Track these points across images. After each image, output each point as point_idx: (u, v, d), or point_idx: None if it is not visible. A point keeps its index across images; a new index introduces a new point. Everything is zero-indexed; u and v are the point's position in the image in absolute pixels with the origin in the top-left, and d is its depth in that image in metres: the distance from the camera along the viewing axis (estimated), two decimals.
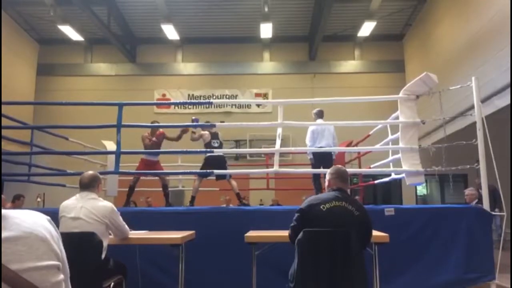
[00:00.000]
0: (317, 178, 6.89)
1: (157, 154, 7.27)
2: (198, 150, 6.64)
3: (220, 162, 6.62)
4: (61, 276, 0.98)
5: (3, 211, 0.94)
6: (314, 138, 6.85)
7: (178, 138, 7.16)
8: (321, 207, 3.07)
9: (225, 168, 6.69)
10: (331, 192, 3.21)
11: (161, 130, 7.35)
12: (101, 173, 3.82)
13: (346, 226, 3.00)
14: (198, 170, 6.95)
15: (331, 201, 3.09)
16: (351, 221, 3.06)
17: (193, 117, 6.80)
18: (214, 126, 6.41)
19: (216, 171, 6.24)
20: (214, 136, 6.90)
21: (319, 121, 6.92)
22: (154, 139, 7.27)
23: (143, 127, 7.27)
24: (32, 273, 0.90)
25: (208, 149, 6.60)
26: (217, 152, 6.49)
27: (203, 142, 6.90)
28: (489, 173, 5.02)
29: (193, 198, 6.84)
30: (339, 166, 3.53)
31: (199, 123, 6.70)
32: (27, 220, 0.96)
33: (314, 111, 7.10)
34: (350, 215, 3.07)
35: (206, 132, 6.88)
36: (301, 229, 3.04)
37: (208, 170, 6.33)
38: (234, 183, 6.86)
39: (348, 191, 3.39)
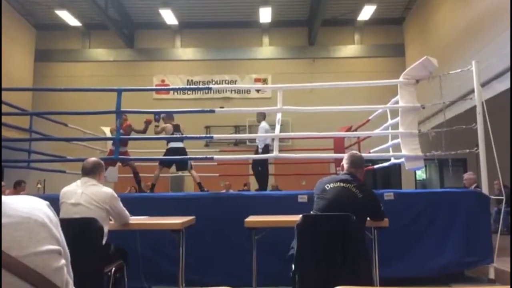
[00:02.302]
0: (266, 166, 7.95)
1: (126, 144, 7.50)
2: (178, 136, 6.81)
3: (181, 154, 6.91)
4: (63, 261, 0.97)
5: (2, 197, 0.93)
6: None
7: (145, 130, 7.43)
8: (325, 185, 3.27)
9: (186, 159, 7.04)
10: (343, 175, 3.37)
11: (128, 122, 7.43)
12: (101, 159, 3.82)
13: (345, 206, 3.10)
14: (160, 157, 7.24)
15: (336, 182, 3.26)
16: (352, 202, 3.16)
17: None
18: (213, 111, 6.41)
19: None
20: (176, 128, 7.12)
21: (263, 122, 7.76)
22: (121, 130, 7.37)
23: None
24: (33, 258, 0.90)
25: (173, 137, 7.00)
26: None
27: (165, 134, 7.12)
28: (488, 157, 5.03)
29: (153, 185, 7.13)
30: (355, 152, 3.68)
31: (165, 111, 7.18)
32: (25, 206, 0.95)
33: (262, 113, 7.92)
34: (353, 196, 3.18)
35: (168, 125, 7.09)
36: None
37: (170, 158, 6.91)
38: (194, 173, 7.19)
39: (360, 176, 3.46)
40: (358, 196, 3.18)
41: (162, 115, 7.24)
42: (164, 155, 7.04)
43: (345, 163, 3.46)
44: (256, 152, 7.85)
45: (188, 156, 7.09)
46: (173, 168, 7.77)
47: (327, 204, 3.19)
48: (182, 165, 7.24)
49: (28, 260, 0.89)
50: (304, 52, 16.53)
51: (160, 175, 7.26)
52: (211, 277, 4.75)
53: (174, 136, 6.99)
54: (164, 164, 7.21)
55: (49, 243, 0.94)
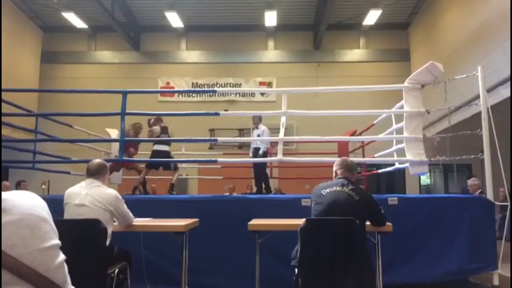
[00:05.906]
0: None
1: None
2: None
3: (165, 155, 7.06)
4: (62, 256, 0.98)
5: (2, 194, 0.93)
6: None
7: None
8: (322, 191, 3.32)
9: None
10: (337, 180, 3.42)
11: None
12: (106, 161, 3.83)
13: (343, 209, 3.14)
14: (162, 159, 7.24)
15: (332, 187, 3.31)
16: (349, 205, 3.18)
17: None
18: (217, 114, 6.41)
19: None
20: (163, 130, 7.24)
21: (262, 125, 8.12)
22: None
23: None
24: (36, 255, 0.90)
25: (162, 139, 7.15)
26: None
27: (151, 136, 7.26)
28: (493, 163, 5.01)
29: (135, 188, 7.33)
30: (345, 157, 3.76)
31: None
32: (25, 202, 0.96)
33: (259, 116, 8.22)
34: (350, 199, 3.21)
35: (157, 127, 7.20)
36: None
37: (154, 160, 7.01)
38: (175, 174, 7.39)
39: (353, 179, 3.50)
40: (355, 199, 3.21)
41: (150, 119, 7.35)
42: (150, 157, 7.16)
43: (337, 169, 3.51)
44: (256, 155, 7.83)
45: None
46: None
47: (325, 208, 3.21)
48: (167, 167, 7.42)
49: (32, 257, 0.89)
50: (309, 56, 16.53)
51: (163, 177, 7.30)
52: (214, 279, 4.75)
53: (173, 138, 7.06)
54: (150, 166, 7.30)
55: (51, 238, 0.95)
